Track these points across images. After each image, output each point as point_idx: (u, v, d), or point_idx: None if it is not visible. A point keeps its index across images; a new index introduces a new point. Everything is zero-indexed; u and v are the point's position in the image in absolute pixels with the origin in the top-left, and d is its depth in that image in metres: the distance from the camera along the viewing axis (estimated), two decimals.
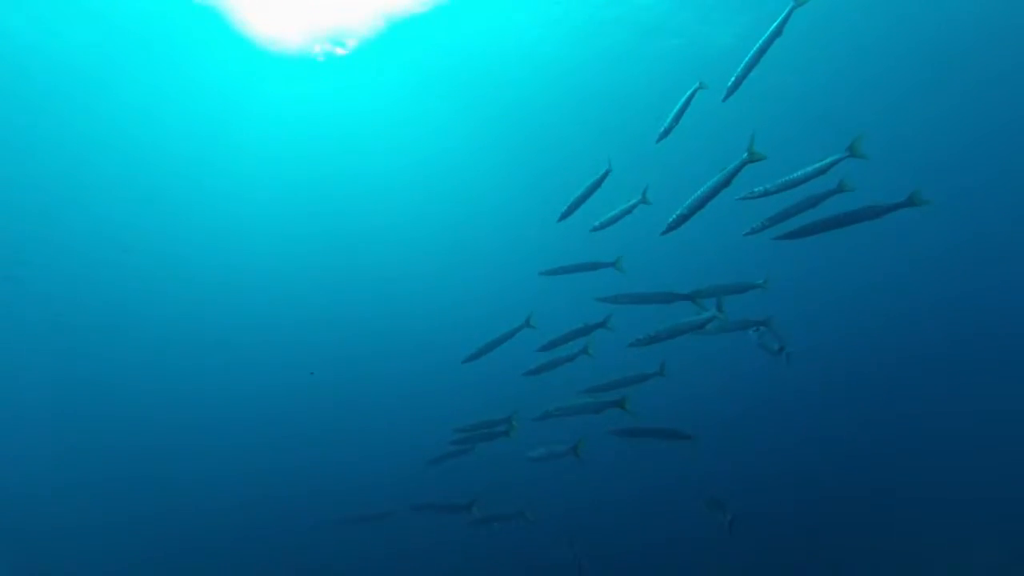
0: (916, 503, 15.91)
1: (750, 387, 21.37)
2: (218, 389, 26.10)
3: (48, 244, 20.31)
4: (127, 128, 17.27)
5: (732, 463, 16.89)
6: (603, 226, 7.90)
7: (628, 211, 7.77)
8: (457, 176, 21.30)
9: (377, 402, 24.86)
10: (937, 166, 19.21)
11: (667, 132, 7.29)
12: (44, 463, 22.73)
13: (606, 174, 7.79)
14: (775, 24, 6.30)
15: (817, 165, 6.04)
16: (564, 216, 8.10)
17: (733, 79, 6.60)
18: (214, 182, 20.12)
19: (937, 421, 19.38)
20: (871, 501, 16.39)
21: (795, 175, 6.12)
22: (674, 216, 6.45)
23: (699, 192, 6.29)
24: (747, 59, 6.46)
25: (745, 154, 6.08)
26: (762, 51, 6.36)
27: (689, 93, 7.13)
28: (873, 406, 20.38)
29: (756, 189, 6.34)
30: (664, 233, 6.57)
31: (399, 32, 14.66)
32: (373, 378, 25.41)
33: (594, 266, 8.60)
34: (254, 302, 25.30)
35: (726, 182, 6.15)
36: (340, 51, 15.14)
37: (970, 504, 15.54)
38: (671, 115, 7.21)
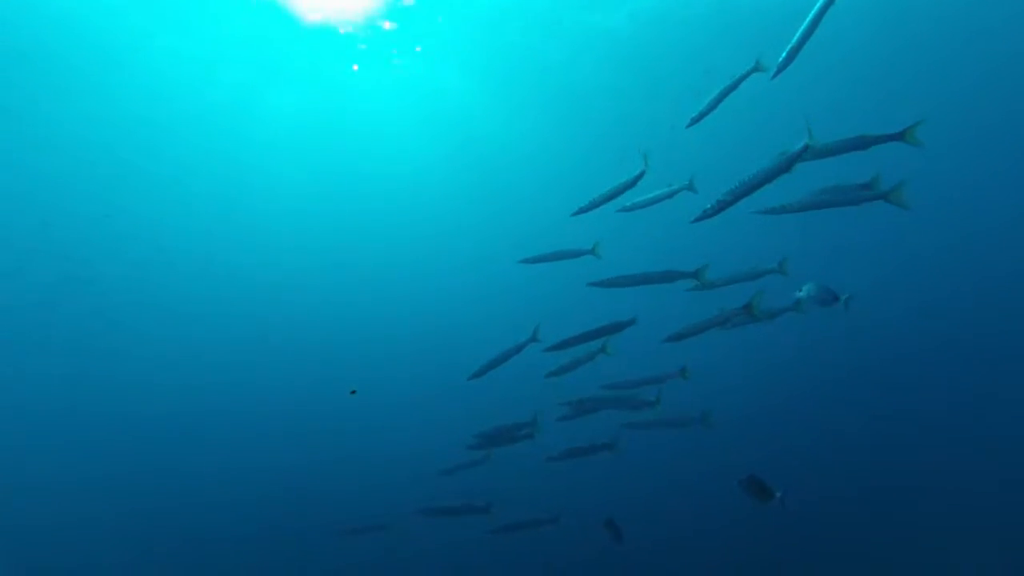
0: (940, 496, 15.56)
1: (768, 379, 21.08)
2: (228, 386, 25.57)
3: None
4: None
5: (754, 455, 16.45)
6: (635, 208, 7.49)
7: (668, 196, 7.37)
8: (494, 165, 20.78)
9: (390, 403, 24.37)
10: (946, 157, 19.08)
11: (701, 116, 7.01)
12: (45, 464, 22.24)
13: (640, 176, 7.35)
14: None
15: (863, 136, 5.55)
16: (581, 211, 7.67)
17: (785, 54, 6.12)
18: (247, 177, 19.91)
19: (961, 415, 18.91)
20: (897, 495, 16.05)
21: (836, 141, 5.67)
22: (713, 202, 5.86)
23: (747, 178, 5.65)
24: (800, 32, 5.94)
25: (808, 140, 5.43)
26: (816, 22, 5.86)
27: (742, 74, 6.77)
28: (893, 398, 19.93)
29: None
30: (697, 220, 6.05)
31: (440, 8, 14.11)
32: (384, 380, 25.00)
33: (573, 254, 8.33)
34: (266, 300, 25.04)
35: (785, 168, 5.50)
36: (387, 24, 14.34)
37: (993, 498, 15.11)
38: (711, 97, 6.87)
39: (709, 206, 6.07)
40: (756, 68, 7.10)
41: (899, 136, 5.52)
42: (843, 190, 5.77)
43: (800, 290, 6.67)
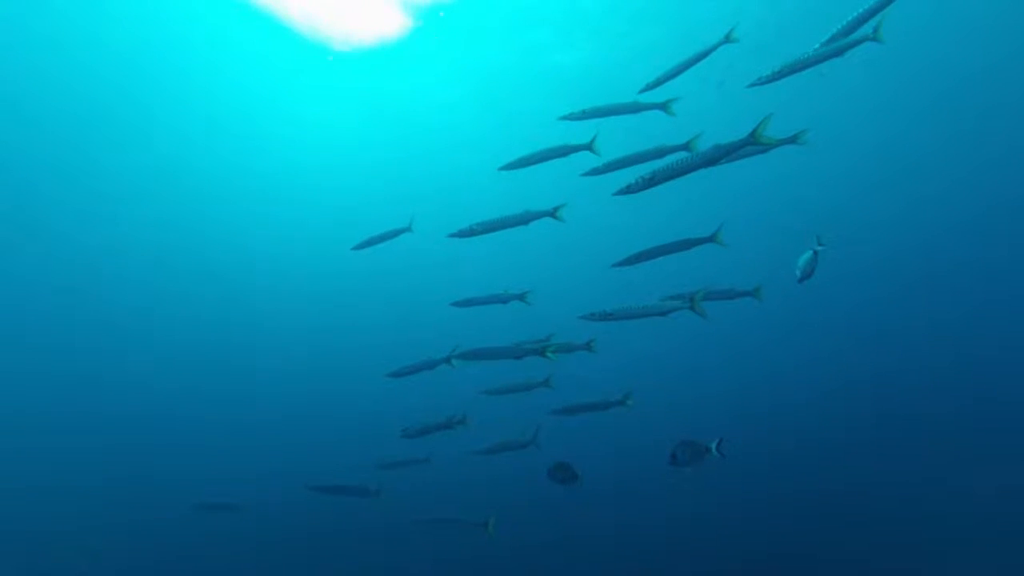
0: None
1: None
2: (220, 386, 25.22)
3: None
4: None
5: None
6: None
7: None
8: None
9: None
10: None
11: (658, 83, 6.94)
12: (44, 464, 21.80)
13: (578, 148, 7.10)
14: None
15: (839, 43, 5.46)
16: (506, 167, 7.32)
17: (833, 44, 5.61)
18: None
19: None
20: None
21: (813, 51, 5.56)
22: (637, 178, 5.51)
23: (673, 160, 5.36)
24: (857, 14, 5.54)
25: (748, 135, 5.07)
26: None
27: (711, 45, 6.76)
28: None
29: None
30: (618, 194, 5.72)
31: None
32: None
33: (394, 233, 8.67)
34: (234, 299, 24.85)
35: (713, 159, 5.19)
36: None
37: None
38: (676, 63, 6.88)
39: (634, 181, 5.71)
40: (727, 39, 7.06)
41: (872, 37, 5.62)
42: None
43: (797, 272, 6.43)
